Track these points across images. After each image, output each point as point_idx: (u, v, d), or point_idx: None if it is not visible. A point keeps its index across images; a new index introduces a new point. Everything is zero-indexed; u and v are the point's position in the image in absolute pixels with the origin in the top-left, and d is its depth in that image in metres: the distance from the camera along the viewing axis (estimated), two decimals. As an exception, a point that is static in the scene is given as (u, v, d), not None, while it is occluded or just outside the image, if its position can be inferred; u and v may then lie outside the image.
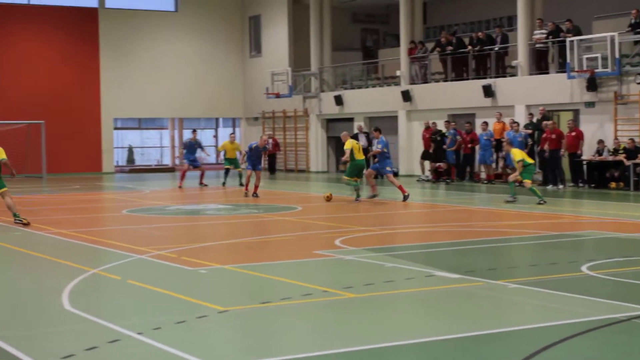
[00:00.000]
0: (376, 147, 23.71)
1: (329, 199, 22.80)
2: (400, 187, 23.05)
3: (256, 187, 24.56)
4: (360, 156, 22.78)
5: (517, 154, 21.85)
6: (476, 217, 19.60)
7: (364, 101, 36.61)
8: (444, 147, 30.37)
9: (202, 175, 29.95)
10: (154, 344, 7.74)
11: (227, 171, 29.96)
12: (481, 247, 14.23)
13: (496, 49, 31.40)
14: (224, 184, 29.45)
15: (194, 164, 29.58)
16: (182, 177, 29.67)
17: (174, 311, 9.26)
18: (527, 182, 21.69)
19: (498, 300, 9.75)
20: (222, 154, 31.42)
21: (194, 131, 31.02)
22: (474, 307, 9.36)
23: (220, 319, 8.83)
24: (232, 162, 29.49)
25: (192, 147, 29.64)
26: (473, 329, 8.25)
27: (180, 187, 28.99)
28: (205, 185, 29.48)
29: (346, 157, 22.59)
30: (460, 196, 24.77)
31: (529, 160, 21.85)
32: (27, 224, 17.45)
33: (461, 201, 23.07)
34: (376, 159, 24.18)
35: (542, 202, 21.16)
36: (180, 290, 10.45)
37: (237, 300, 10.01)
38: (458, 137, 30.27)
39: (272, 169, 38.53)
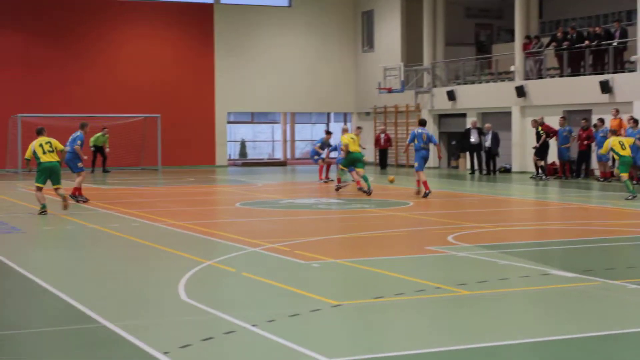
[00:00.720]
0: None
1: (391, 181, 25.46)
2: (418, 183, 22.54)
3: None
4: (355, 148, 23.64)
5: (613, 142, 21.52)
6: (591, 215, 19.19)
7: (477, 97, 36.22)
8: (537, 145, 30.32)
9: (327, 170, 29.52)
10: (268, 336, 7.82)
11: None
12: (598, 246, 13.93)
13: (614, 44, 30.64)
14: (326, 180, 28.74)
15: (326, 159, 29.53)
16: (321, 171, 29.24)
17: (288, 304, 9.35)
18: (623, 175, 21.30)
19: (617, 300, 9.53)
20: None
21: (328, 132, 30.89)
22: (591, 307, 9.17)
23: (334, 313, 8.87)
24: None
25: (323, 146, 29.86)
26: (590, 329, 8.09)
27: (323, 179, 28.53)
28: (327, 181, 28.95)
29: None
30: (574, 193, 24.29)
31: (622, 152, 21.38)
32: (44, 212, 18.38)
33: (575, 198, 22.61)
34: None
35: (630, 197, 20.95)
36: (293, 283, 10.54)
37: (350, 294, 10.04)
38: (574, 134, 29.74)
39: (383, 164, 38.44)
